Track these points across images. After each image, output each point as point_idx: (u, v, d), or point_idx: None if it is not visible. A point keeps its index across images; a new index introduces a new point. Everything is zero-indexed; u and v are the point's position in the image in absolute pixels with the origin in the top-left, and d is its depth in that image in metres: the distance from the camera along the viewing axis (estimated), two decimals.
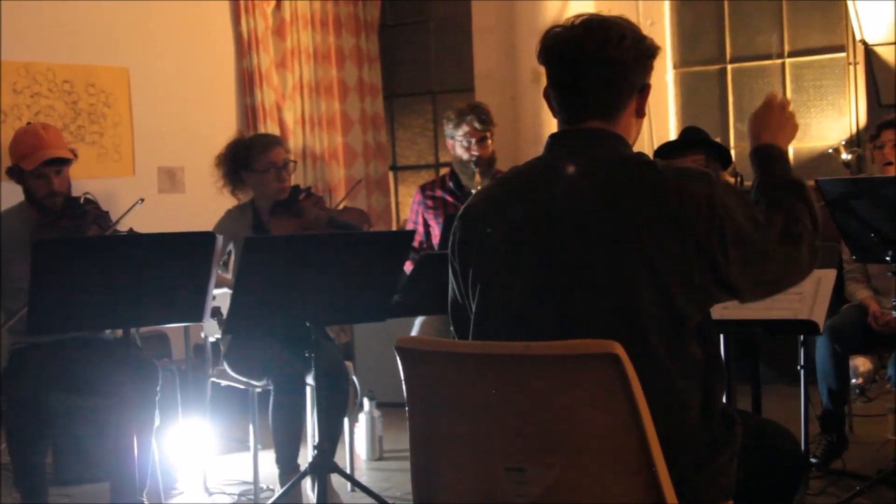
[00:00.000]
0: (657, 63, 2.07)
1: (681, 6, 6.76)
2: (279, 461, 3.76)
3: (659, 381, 1.82)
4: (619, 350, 1.65)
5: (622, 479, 1.70)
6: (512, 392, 1.76)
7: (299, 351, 3.61)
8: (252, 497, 3.95)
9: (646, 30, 2.09)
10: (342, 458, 3.96)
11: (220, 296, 3.73)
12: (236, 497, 4.07)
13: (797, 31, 6.48)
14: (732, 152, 5.32)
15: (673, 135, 6.58)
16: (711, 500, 1.88)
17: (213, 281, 3.25)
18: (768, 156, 2.10)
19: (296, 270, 3.17)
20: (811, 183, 2.43)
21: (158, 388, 3.59)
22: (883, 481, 3.57)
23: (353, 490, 3.94)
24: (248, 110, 6.35)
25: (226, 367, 3.98)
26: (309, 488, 3.74)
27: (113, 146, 5.69)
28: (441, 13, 7.46)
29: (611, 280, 1.88)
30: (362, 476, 4.25)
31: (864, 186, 3.58)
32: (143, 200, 3.76)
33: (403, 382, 1.89)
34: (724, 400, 1.99)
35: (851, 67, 6.26)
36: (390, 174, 7.55)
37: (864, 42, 6.00)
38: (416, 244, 4.57)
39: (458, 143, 4.56)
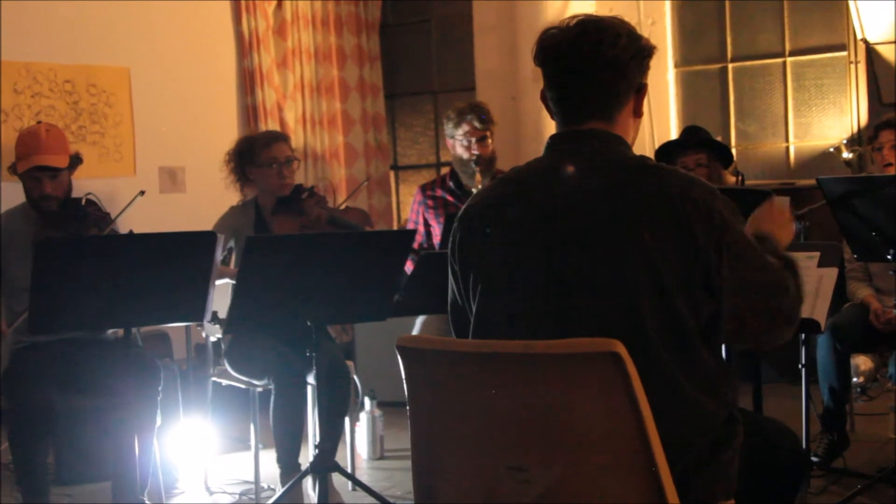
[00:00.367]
0: (658, 62, 2.07)
1: (682, 5, 6.74)
2: (280, 460, 3.76)
3: (660, 381, 1.81)
4: (621, 349, 1.65)
5: (623, 478, 1.70)
6: (513, 391, 1.76)
7: (300, 350, 3.61)
8: (253, 496, 3.95)
9: (647, 29, 2.09)
10: (343, 457, 3.96)
11: (219, 299, 3.72)
12: (237, 496, 4.07)
13: (798, 30, 6.48)
14: (734, 151, 5.32)
15: (674, 134, 6.57)
16: (713, 499, 1.88)
17: (213, 281, 3.25)
18: (765, 237, 2.08)
19: (297, 270, 3.17)
20: (812, 182, 2.43)
21: (160, 388, 3.59)
22: (884, 480, 3.57)
23: (354, 489, 3.93)
24: (249, 110, 6.35)
25: (227, 366, 3.98)
26: (310, 488, 3.75)
27: (114, 146, 5.69)
28: (442, 12, 7.45)
29: (611, 281, 1.88)
30: (363, 475, 4.25)
31: (865, 185, 3.58)
32: (143, 193, 3.76)
33: (404, 382, 1.89)
34: (734, 401, 1.98)
35: (852, 66, 6.24)
36: (391, 174, 7.55)
37: (865, 41, 6.00)
38: (416, 245, 4.56)
39: (459, 142, 4.55)
